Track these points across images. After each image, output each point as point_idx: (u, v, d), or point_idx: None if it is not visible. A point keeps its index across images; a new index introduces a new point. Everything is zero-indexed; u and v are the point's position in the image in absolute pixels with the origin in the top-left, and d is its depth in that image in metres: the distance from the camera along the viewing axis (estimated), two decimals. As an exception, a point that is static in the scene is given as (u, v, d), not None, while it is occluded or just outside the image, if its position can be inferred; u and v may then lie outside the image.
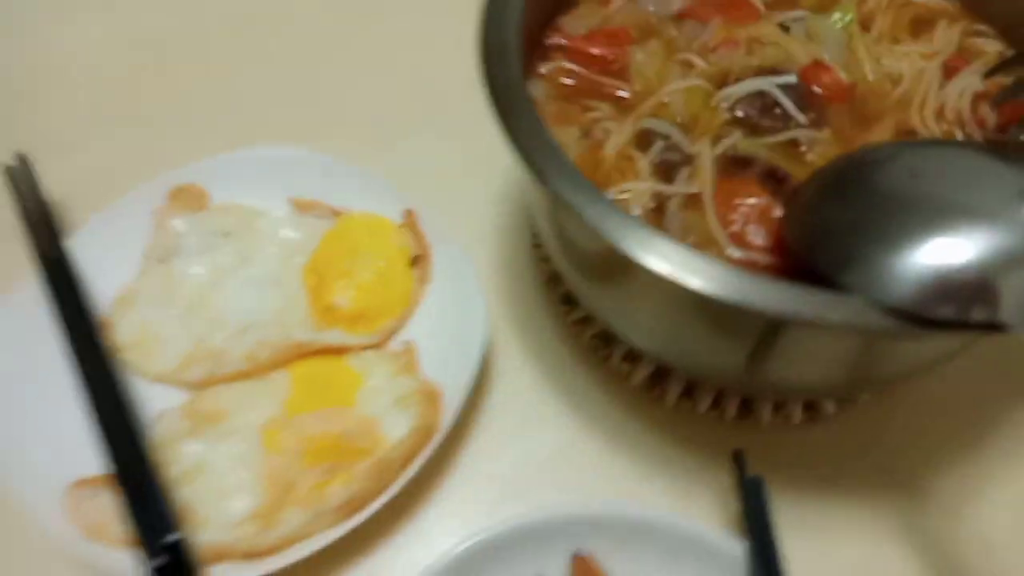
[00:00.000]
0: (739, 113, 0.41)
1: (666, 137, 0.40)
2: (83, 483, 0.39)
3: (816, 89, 0.42)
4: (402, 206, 0.49)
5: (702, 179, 0.38)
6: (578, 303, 0.47)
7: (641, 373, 0.45)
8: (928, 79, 0.42)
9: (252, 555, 0.37)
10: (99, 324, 0.44)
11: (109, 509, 0.38)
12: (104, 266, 0.47)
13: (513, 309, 0.49)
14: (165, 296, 0.47)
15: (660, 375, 0.45)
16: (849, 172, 0.34)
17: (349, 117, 0.57)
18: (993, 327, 0.28)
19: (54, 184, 0.51)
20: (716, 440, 0.43)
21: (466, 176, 0.53)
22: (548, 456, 0.44)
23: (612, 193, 0.38)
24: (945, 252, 0.29)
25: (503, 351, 0.47)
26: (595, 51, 0.44)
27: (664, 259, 0.30)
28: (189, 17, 0.63)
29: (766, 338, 0.34)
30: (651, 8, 0.46)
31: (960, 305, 0.28)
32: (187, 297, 0.47)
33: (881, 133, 0.40)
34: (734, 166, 0.39)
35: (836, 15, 0.44)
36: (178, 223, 0.49)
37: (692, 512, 0.41)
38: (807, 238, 0.33)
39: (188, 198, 0.50)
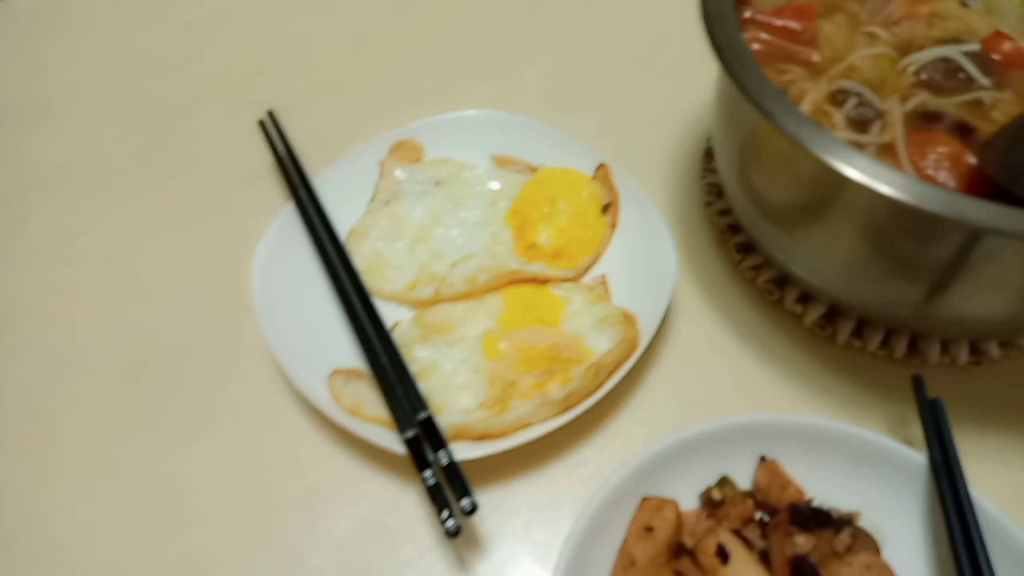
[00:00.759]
0: (924, 76, 0.46)
1: (858, 95, 0.45)
2: (339, 372, 0.47)
3: (996, 56, 0.46)
4: (594, 161, 0.55)
5: (894, 129, 0.43)
6: (753, 251, 0.52)
7: (814, 313, 0.49)
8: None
9: (486, 436, 0.44)
10: (344, 247, 0.52)
11: (362, 393, 0.46)
12: (339, 205, 0.55)
13: (689, 256, 0.54)
14: (392, 231, 0.55)
15: (832, 315, 0.49)
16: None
17: (542, 85, 0.65)
18: None
19: (297, 138, 0.60)
20: (885, 376, 0.48)
21: (645, 138, 0.60)
22: (727, 381, 0.49)
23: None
24: None
25: (681, 293, 0.53)
26: (785, 23, 0.49)
27: (871, 173, 0.35)
28: (403, 8, 0.73)
29: (952, 260, 0.38)
30: (836, -14, 0.51)
31: None
32: (411, 233, 0.55)
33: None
34: (923, 121, 0.44)
35: (1014, -5, 0.48)
36: (399, 172, 0.57)
37: (865, 435, 0.46)
38: (1011, 169, 0.37)
39: (406, 151, 0.58)
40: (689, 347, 0.51)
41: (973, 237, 0.36)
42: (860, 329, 0.49)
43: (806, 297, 0.50)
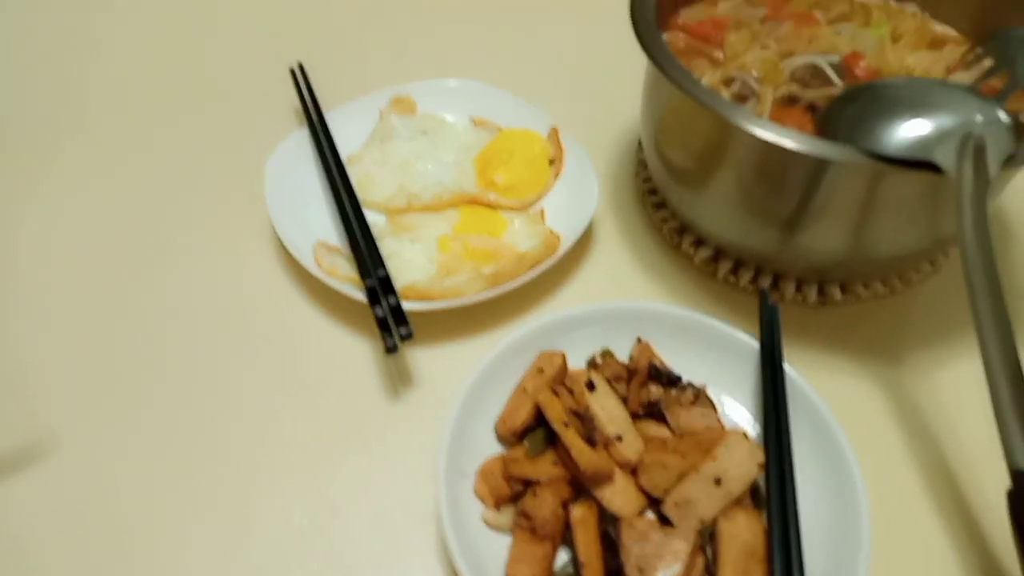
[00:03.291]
0: (796, 75, 0.60)
1: (743, 81, 0.59)
2: (323, 244, 0.60)
3: (853, 71, 0.61)
4: (549, 125, 0.69)
5: (764, 105, 0.57)
6: (664, 207, 0.66)
7: (702, 254, 0.62)
8: (933, 73, 0.60)
9: (426, 296, 0.56)
10: (341, 163, 0.66)
11: (337, 263, 0.59)
12: (344, 137, 0.69)
13: (616, 209, 0.68)
14: (382, 160, 0.69)
15: (716, 256, 0.62)
16: (860, 90, 0.53)
17: (522, 62, 0.81)
18: (933, 167, 0.45)
19: (319, 83, 0.75)
20: (750, 305, 0.60)
21: (598, 111, 0.75)
22: (627, 297, 0.62)
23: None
24: (913, 124, 0.47)
25: (605, 236, 0.66)
26: (702, 30, 0.64)
27: (745, 119, 0.49)
28: None
29: (799, 194, 0.51)
30: (744, 12, 0.66)
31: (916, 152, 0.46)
32: (397, 163, 0.68)
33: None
34: (788, 103, 0.58)
35: (874, 27, 0.63)
36: (395, 120, 0.71)
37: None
38: (831, 124, 0.51)
39: (404, 105, 0.72)
40: (604, 274, 0.63)
41: (813, 167, 0.49)
42: (736, 268, 0.62)
43: (699, 243, 0.63)
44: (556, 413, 0.48)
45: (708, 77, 0.60)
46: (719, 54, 0.63)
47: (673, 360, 0.54)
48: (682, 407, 0.51)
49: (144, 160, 0.71)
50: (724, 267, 0.62)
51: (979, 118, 0.49)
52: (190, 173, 0.70)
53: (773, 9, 0.66)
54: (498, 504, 0.48)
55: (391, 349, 0.52)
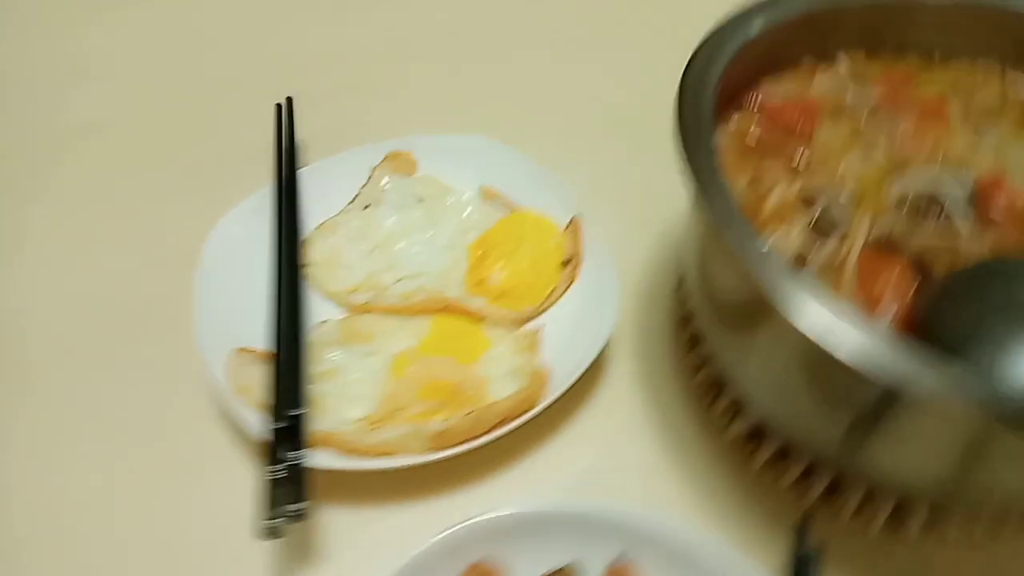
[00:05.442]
0: (906, 202, 0.42)
1: (828, 203, 0.42)
2: (247, 351, 0.47)
3: (986, 205, 0.41)
4: (570, 213, 0.54)
5: (851, 247, 0.40)
6: (700, 342, 0.49)
7: (738, 428, 0.46)
8: None
9: (351, 450, 0.43)
10: (302, 239, 0.53)
11: (257, 378, 0.46)
12: (318, 198, 0.56)
13: (640, 334, 0.52)
14: (359, 234, 0.55)
15: (756, 435, 0.45)
16: (990, 274, 0.34)
17: (547, 126, 0.64)
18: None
19: (304, 126, 0.62)
20: (791, 515, 0.43)
21: (635, 203, 0.58)
22: (631, 466, 0.46)
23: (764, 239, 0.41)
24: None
25: (621, 365, 0.50)
26: (787, 116, 0.47)
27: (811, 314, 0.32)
28: (423, 24, 0.75)
29: (879, 406, 0.34)
30: (848, 94, 0.48)
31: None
32: (376, 239, 0.55)
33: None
34: (884, 248, 0.40)
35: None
36: (387, 181, 0.58)
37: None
38: (925, 322, 0.34)
39: (401, 163, 0.59)
40: (602, 427, 0.48)
41: (883, 393, 0.32)
42: (783, 455, 0.45)
43: (737, 409, 0.46)
44: None
45: (780, 190, 0.43)
46: (802, 155, 0.45)
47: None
48: None
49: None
50: (765, 452, 0.45)
51: None
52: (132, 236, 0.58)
53: (890, 92, 0.48)
54: None
55: (269, 533, 0.39)
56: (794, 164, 0.45)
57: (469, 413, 0.43)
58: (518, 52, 0.72)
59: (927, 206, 0.42)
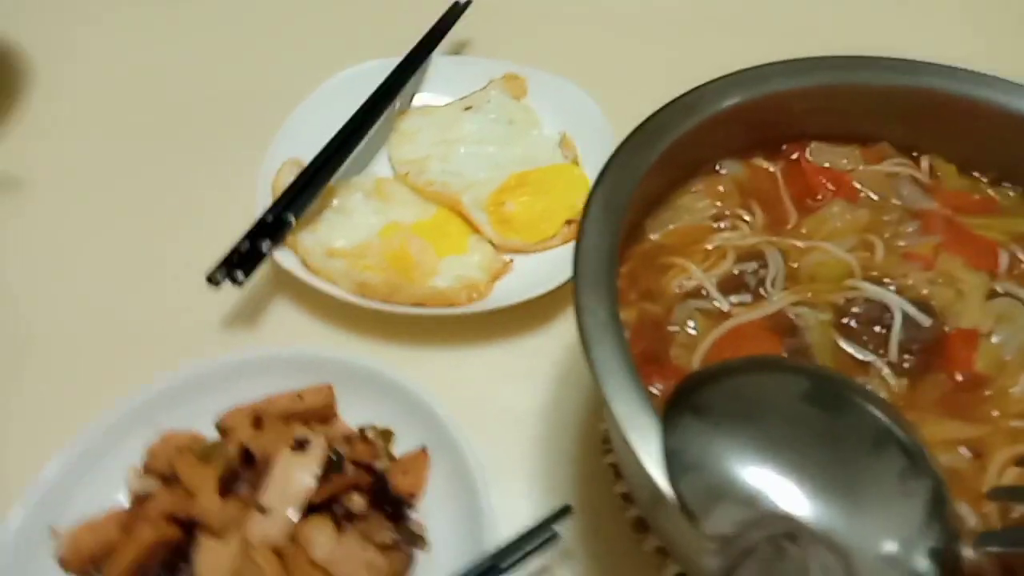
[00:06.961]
0: (852, 307, 0.39)
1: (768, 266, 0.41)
2: (295, 162, 0.57)
3: (944, 353, 0.37)
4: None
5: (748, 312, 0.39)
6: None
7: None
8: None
9: (310, 267, 0.52)
10: (397, 106, 0.62)
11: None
12: (441, 83, 0.65)
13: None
14: (444, 125, 0.63)
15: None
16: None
17: None
18: None
19: (471, 25, 0.70)
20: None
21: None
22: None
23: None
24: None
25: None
26: (815, 178, 0.45)
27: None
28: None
29: None
30: (904, 191, 0.44)
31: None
32: (451, 136, 0.62)
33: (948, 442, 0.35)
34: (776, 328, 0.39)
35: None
36: (495, 95, 0.64)
37: None
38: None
39: (514, 85, 0.65)
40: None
41: None
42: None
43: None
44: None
45: (737, 234, 0.43)
46: (797, 218, 0.43)
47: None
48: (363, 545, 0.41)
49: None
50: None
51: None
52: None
53: (945, 209, 0.43)
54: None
55: (213, 280, 0.49)
56: (777, 222, 0.43)
57: (395, 282, 0.50)
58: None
59: (872, 318, 0.39)
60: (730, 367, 0.35)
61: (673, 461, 0.29)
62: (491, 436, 0.46)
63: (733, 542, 0.27)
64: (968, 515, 0.32)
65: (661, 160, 0.41)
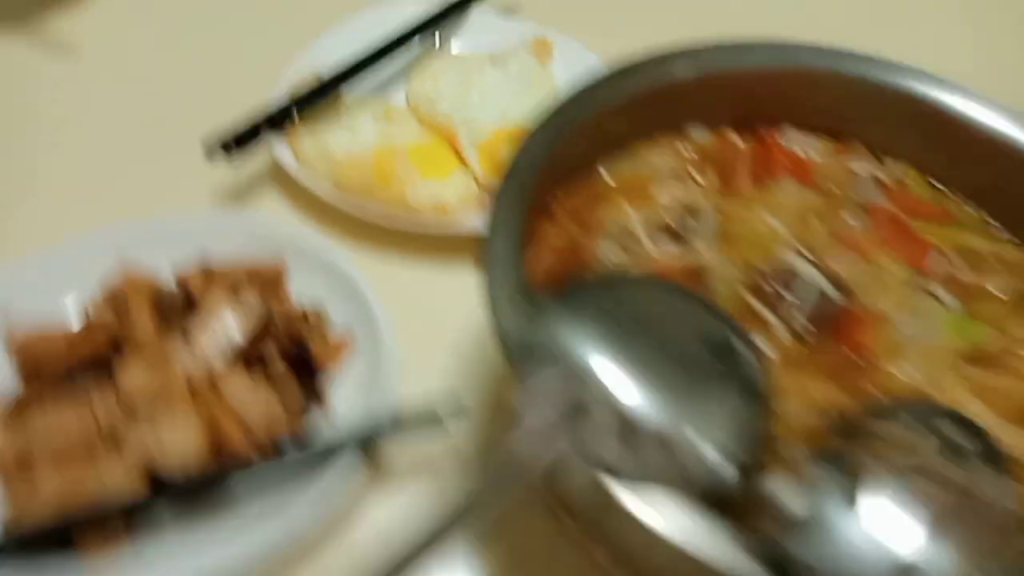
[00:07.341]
0: (772, 275, 0.40)
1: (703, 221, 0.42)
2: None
3: (847, 329, 0.38)
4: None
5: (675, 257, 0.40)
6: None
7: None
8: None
9: (301, 163, 0.56)
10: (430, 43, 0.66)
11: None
12: (474, 34, 0.69)
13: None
14: (468, 72, 0.65)
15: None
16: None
17: None
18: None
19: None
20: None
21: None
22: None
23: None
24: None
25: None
26: (777, 155, 0.46)
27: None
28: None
29: None
30: (863, 189, 0.45)
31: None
32: (470, 83, 0.64)
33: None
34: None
35: (959, 316, 0.38)
36: (521, 56, 0.67)
37: None
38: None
39: (542, 50, 0.67)
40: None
41: None
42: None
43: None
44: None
45: (678, 188, 0.44)
46: (748, 188, 0.44)
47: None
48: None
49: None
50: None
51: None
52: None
53: (893, 208, 0.43)
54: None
55: (208, 155, 0.54)
56: (729, 188, 0.44)
57: (372, 183, 0.54)
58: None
59: (786, 283, 0.39)
60: (626, 278, 0.36)
61: (527, 332, 0.31)
62: (417, 339, 0.48)
63: (544, 407, 0.28)
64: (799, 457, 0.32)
65: (626, 105, 0.43)
